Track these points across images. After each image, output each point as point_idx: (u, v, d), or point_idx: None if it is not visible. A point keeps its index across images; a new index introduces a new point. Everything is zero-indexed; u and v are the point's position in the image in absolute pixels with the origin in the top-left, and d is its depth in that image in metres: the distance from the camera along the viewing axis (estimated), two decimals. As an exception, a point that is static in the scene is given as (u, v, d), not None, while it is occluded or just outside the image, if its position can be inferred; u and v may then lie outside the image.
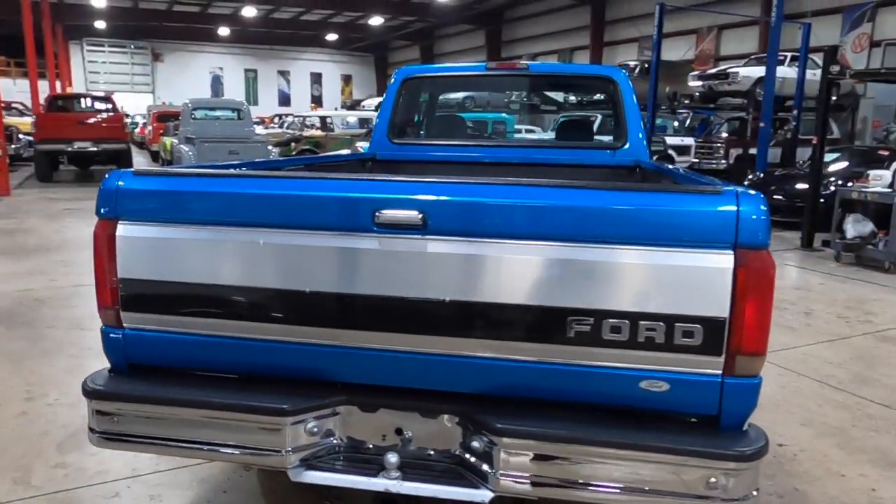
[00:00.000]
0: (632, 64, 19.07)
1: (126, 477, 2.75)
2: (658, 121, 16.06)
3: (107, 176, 1.99)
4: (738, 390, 1.73)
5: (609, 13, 25.84)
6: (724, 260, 1.66)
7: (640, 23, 23.21)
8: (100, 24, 32.16)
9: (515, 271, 1.74)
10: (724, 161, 15.33)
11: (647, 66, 16.12)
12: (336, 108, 30.58)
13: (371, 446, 1.92)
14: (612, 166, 4.01)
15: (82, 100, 16.58)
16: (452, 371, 1.84)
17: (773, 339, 4.33)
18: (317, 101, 39.54)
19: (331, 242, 1.83)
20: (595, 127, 6.18)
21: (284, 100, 39.98)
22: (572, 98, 8.02)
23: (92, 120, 13.98)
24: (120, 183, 1.95)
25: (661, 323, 1.70)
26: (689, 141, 15.69)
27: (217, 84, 38.70)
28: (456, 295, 1.77)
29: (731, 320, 1.69)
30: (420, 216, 1.76)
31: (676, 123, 17.60)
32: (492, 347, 1.79)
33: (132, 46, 36.19)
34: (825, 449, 3.15)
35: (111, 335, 2.01)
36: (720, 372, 1.72)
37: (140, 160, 19.03)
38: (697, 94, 17.01)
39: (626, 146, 4.07)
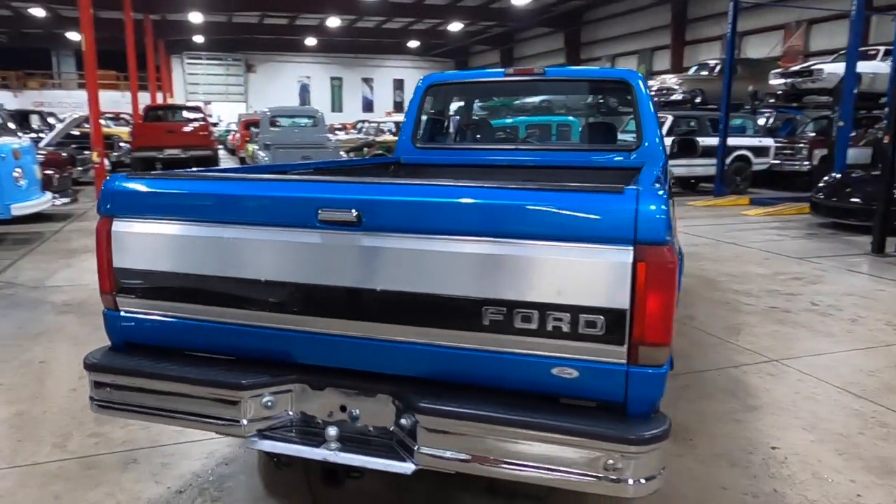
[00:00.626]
0: (712, 63, 18.47)
1: (146, 447, 3.09)
2: (737, 121, 15.51)
3: (107, 178, 2.30)
4: (643, 379, 1.83)
5: (691, 11, 25.11)
6: (623, 255, 1.77)
7: (724, 20, 22.39)
8: (198, 39, 34.28)
9: (437, 264, 1.91)
10: (807, 162, 14.64)
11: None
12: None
13: (320, 421, 2.13)
14: (624, 168, 4.06)
15: (176, 111, 17.80)
16: (385, 354, 2.02)
17: (803, 345, 4.19)
18: (398, 107, 40.42)
19: (282, 237, 2.06)
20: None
21: (368, 106, 41.15)
22: (590, 101, 7.97)
23: (180, 129, 15.02)
24: (116, 185, 2.26)
25: (567, 314, 1.82)
26: (768, 142, 15.03)
27: (304, 92, 40.32)
28: (385, 285, 1.96)
29: (633, 312, 1.79)
30: (356, 214, 1.96)
31: (763, 121, 16.88)
32: (418, 333, 1.97)
33: (227, 58, 38.25)
34: (821, 454, 3.10)
35: (110, 317, 2.32)
36: (624, 361, 1.82)
37: (229, 165, 20.18)
38: (779, 91, 16.30)
39: (641, 148, 4.11)
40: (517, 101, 13.35)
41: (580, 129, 10.75)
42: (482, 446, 1.87)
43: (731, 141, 14.04)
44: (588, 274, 1.80)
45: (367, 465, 1.99)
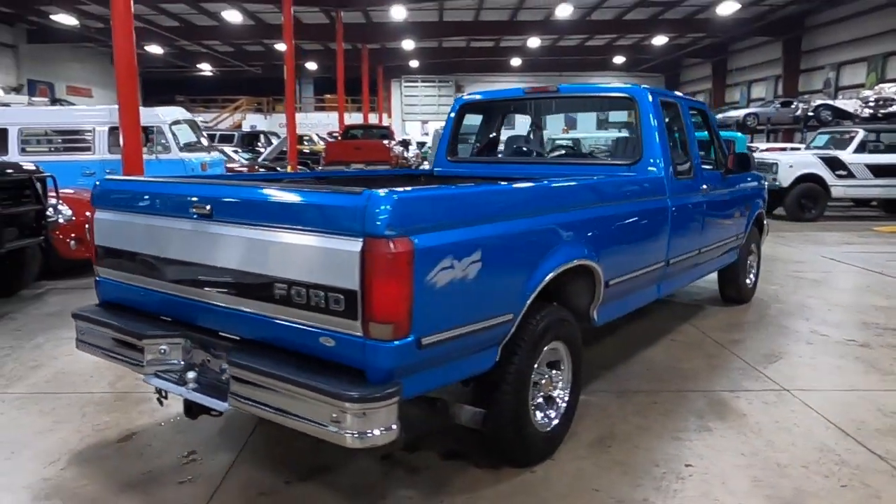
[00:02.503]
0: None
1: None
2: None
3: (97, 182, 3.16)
4: (375, 350, 2.17)
5: (935, 9, 21.67)
6: (355, 244, 2.14)
7: (975, 17, 19.07)
8: (413, 63, 37.26)
9: (242, 247, 2.44)
10: None
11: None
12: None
13: (196, 367, 2.74)
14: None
15: (370, 130, 19.82)
16: (222, 318, 2.59)
17: (844, 380, 3.92)
18: (600, 124, 39.94)
19: (172, 224, 2.72)
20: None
21: (571, 123, 41.21)
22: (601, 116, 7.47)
23: (366, 146, 16.78)
24: (98, 186, 3.11)
25: (322, 292, 2.24)
26: None
27: (510, 111, 41.67)
28: (218, 262, 2.53)
29: (363, 293, 2.14)
30: (209, 208, 2.56)
31: None
32: (237, 302, 2.50)
33: (439, 81, 40.98)
34: (733, 478, 2.97)
35: (96, 281, 3.17)
36: (361, 334, 2.18)
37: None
38: None
39: (641, 162, 4.15)
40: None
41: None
42: (260, 394, 2.34)
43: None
44: (333, 259, 2.20)
45: (202, 402, 2.56)
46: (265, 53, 35.15)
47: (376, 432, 2.15)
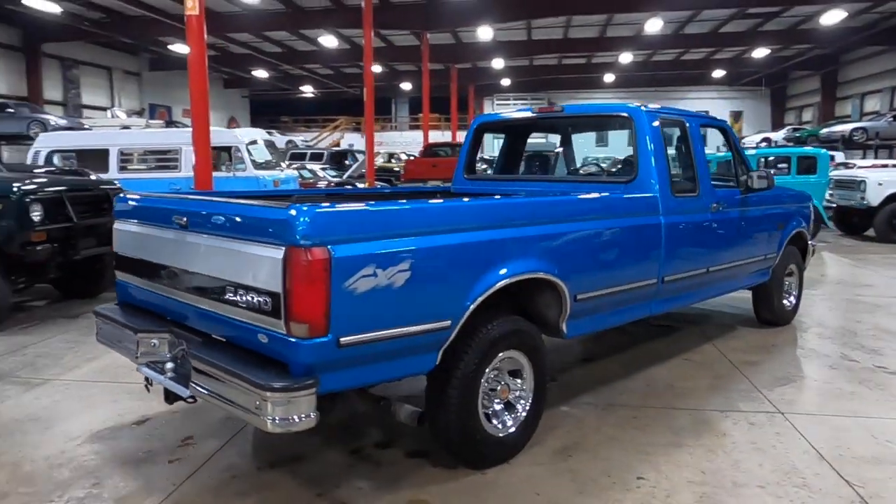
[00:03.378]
0: None
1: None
2: None
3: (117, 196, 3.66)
4: (295, 347, 2.45)
5: None
6: (278, 252, 2.44)
7: None
8: (505, 82, 37.66)
9: (205, 252, 2.80)
10: None
11: None
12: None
13: (177, 359, 3.12)
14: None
15: (453, 147, 20.28)
16: (192, 315, 2.95)
17: (846, 406, 3.87)
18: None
19: (160, 233, 3.14)
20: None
21: (604, 140, 40.14)
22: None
23: (443, 164, 17.22)
24: (119, 200, 3.60)
25: (256, 294, 2.54)
26: None
27: (603, 127, 41.14)
28: (190, 266, 2.91)
29: (285, 295, 2.43)
30: (185, 220, 2.94)
31: None
32: (198, 301, 2.86)
33: (530, 98, 41.10)
34: (680, 494, 3.01)
35: (115, 283, 3.65)
36: (284, 332, 2.46)
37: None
38: None
39: (636, 180, 4.21)
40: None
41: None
42: (209, 383, 2.67)
43: None
44: (263, 265, 2.50)
45: (171, 388, 2.93)
46: (361, 75, 36.64)
47: (295, 419, 2.42)
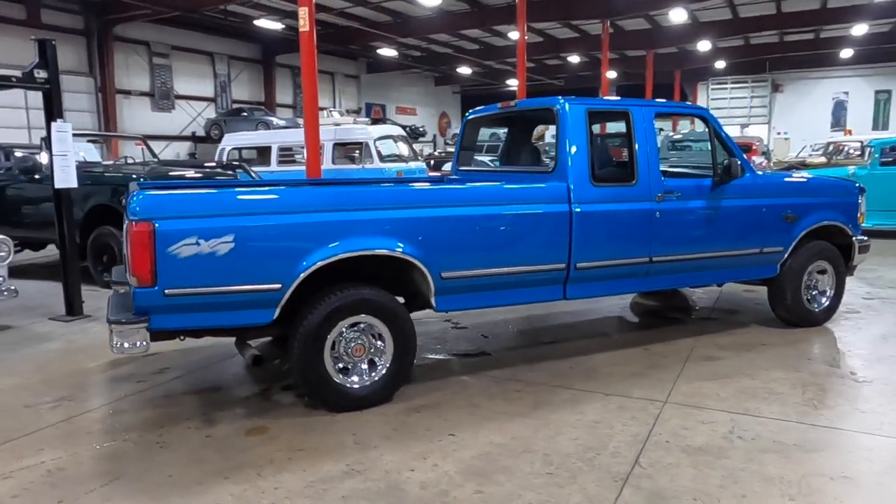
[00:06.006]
0: None
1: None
2: None
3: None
4: (135, 294, 3.35)
5: None
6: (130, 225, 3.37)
7: None
8: (719, 65, 35.11)
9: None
10: None
11: None
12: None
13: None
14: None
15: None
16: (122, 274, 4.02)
17: (733, 402, 4.28)
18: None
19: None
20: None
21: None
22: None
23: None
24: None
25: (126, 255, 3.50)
26: None
27: (839, 110, 36.27)
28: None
29: (127, 255, 3.35)
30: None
31: None
32: (123, 262, 3.90)
33: (750, 81, 37.71)
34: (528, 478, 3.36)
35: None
36: (136, 285, 3.39)
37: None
38: None
39: (556, 170, 4.45)
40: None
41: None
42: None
43: None
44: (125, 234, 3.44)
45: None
46: (563, 66, 36.78)
47: (126, 345, 3.34)
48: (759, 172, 5.30)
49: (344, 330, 3.81)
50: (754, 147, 24.36)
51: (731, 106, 38.85)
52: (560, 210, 4.29)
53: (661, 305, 6.50)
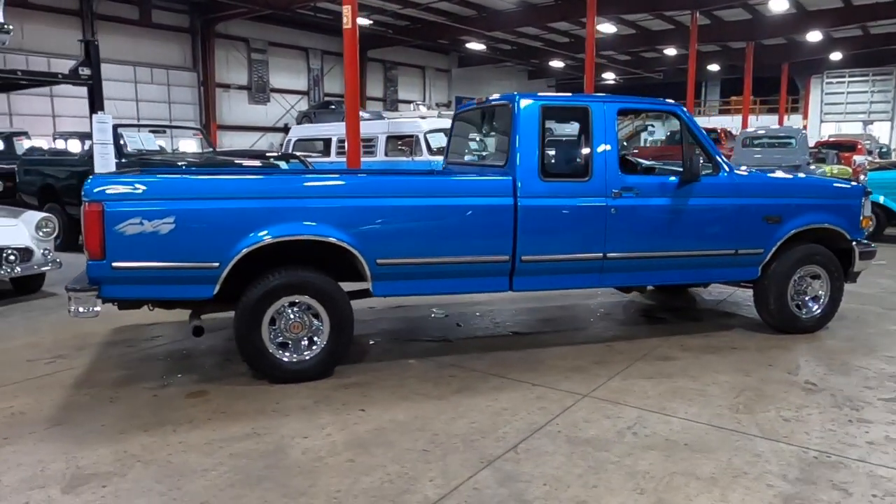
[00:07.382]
0: None
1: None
2: None
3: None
4: (88, 266, 3.82)
5: None
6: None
7: None
8: (835, 56, 32.73)
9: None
10: None
11: None
12: None
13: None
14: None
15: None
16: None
17: (667, 403, 4.27)
18: None
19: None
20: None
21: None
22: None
23: (671, 150, 16.52)
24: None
25: (88, 232, 4.00)
26: None
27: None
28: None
29: (83, 232, 3.84)
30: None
31: None
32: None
33: (872, 74, 34.79)
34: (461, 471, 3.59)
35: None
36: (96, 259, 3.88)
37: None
38: None
39: (508, 165, 4.58)
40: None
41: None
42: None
43: None
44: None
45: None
46: (660, 59, 35.57)
47: (81, 310, 3.81)
48: (744, 172, 5.13)
49: (284, 308, 4.14)
50: (860, 147, 22.70)
51: (849, 101, 36.02)
52: (504, 203, 4.40)
53: (655, 304, 6.40)
